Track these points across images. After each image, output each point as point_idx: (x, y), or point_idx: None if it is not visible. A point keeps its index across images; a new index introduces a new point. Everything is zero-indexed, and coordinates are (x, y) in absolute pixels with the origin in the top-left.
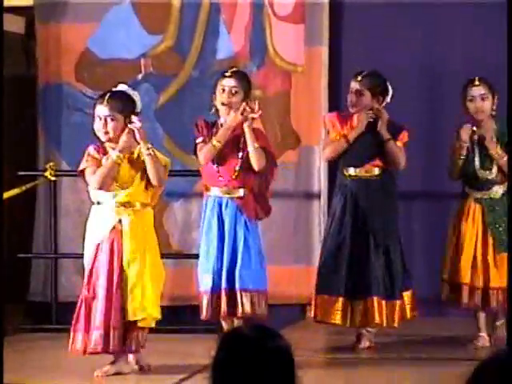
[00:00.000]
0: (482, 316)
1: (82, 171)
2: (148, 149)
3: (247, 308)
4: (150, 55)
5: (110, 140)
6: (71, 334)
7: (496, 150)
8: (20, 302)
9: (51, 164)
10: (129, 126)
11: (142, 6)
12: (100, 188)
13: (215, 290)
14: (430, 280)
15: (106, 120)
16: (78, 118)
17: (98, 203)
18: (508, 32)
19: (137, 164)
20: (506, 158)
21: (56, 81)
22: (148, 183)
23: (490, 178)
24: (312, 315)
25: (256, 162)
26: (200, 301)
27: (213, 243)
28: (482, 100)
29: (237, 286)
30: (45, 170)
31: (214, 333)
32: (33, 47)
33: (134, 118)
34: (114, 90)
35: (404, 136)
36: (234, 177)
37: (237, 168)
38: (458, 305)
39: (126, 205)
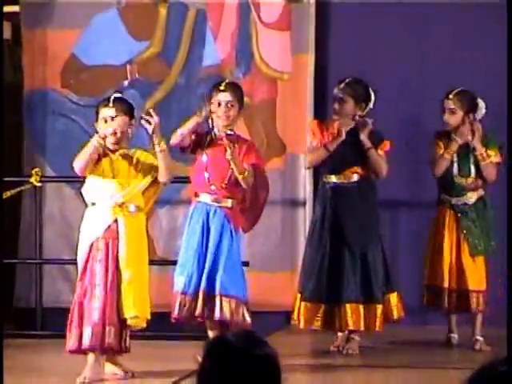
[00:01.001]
0: (453, 318)
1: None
2: (163, 144)
3: (226, 313)
4: (136, 61)
5: (116, 141)
6: (67, 333)
7: (481, 151)
8: (5, 307)
9: (36, 170)
10: (144, 116)
11: (129, 13)
12: (80, 172)
13: (189, 291)
14: (414, 288)
15: (112, 120)
16: (63, 124)
17: (93, 204)
18: (508, 33)
19: (135, 166)
20: (489, 160)
21: (41, 87)
22: (146, 189)
23: (465, 184)
24: (296, 322)
25: (245, 184)
26: (173, 301)
27: (193, 247)
28: (450, 113)
29: (217, 290)
30: (30, 176)
31: (199, 339)
32: (18, 53)
33: (151, 111)
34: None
35: (385, 145)
36: (223, 185)
37: (227, 177)
38: (438, 308)
39: (122, 205)
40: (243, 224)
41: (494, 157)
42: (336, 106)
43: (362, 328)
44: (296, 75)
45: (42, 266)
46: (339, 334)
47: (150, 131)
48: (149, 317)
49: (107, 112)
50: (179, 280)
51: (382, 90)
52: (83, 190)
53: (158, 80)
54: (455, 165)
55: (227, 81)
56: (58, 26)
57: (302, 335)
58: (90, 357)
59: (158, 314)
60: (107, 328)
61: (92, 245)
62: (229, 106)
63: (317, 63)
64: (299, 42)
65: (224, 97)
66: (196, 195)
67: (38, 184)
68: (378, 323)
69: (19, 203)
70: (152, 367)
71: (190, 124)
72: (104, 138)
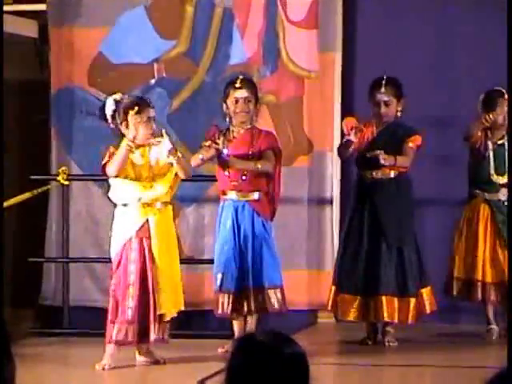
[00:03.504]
0: (490, 309)
1: (104, 166)
2: (178, 158)
3: (276, 304)
4: (163, 60)
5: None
6: (108, 327)
7: None
8: (31, 306)
9: (63, 168)
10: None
11: (156, 11)
12: (116, 175)
13: (232, 288)
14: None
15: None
16: (90, 122)
17: (124, 205)
18: (508, 33)
19: (159, 169)
20: None
21: (69, 85)
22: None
23: (502, 182)
24: (332, 313)
25: (266, 171)
26: (216, 299)
27: (227, 245)
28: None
29: (265, 284)
30: (57, 175)
31: (225, 338)
32: (45, 51)
33: (165, 138)
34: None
35: (416, 139)
36: (243, 178)
37: (245, 171)
38: (471, 301)
39: (150, 204)
40: (272, 213)
41: None
42: (383, 109)
43: (396, 320)
44: (323, 73)
45: (69, 264)
46: (388, 328)
47: (175, 164)
48: (182, 307)
49: (137, 118)
50: (219, 278)
51: (409, 88)
52: (110, 194)
53: (185, 78)
54: (492, 164)
55: (241, 77)
56: (85, 25)
57: (329, 334)
58: (109, 346)
59: (184, 312)
60: (141, 325)
61: (125, 245)
62: (246, 102)
63: (344, 61)
64: (326, 41)
65: (241, 93)
66: (224, 193)
67: (65, 182)
68: (410, 316)
69: (46, 202)
70: (179, 366)
71: (211, 154)
72: (133, 141)
